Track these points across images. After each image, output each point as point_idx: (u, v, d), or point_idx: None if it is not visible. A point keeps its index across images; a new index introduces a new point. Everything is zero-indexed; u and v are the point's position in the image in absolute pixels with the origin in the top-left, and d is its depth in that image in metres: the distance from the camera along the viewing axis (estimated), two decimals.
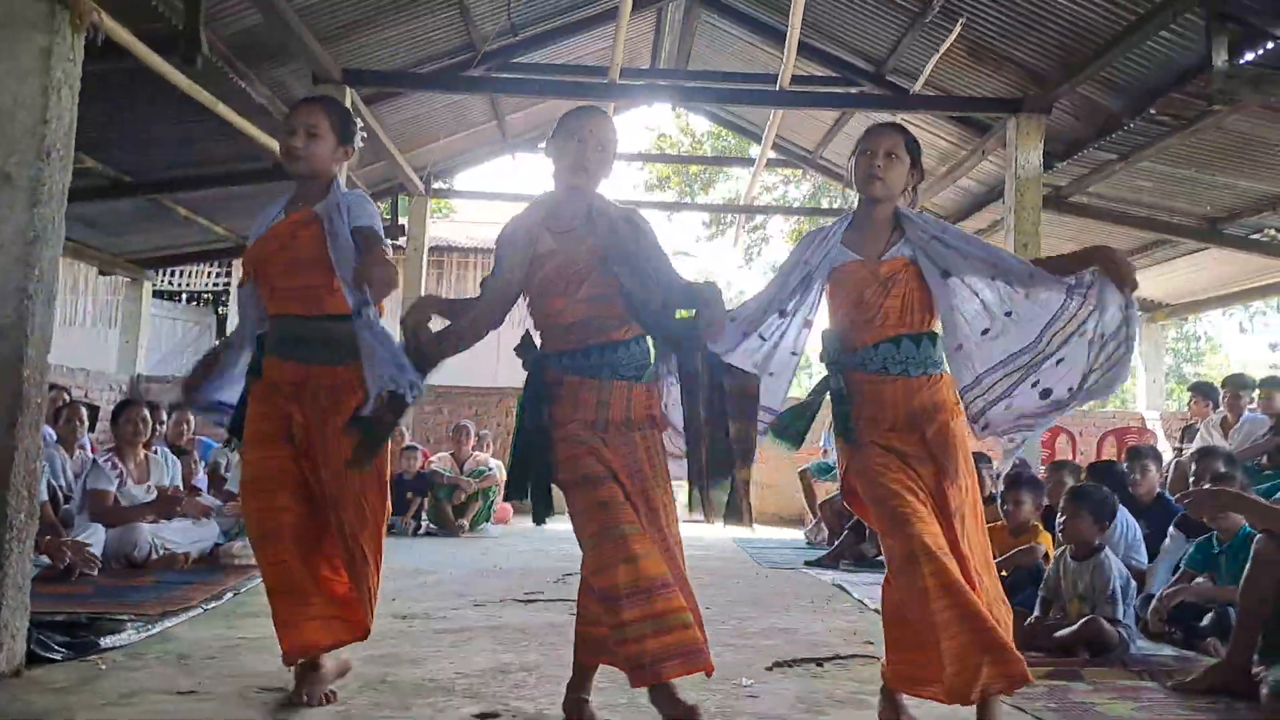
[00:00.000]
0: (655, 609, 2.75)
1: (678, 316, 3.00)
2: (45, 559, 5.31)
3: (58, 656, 3.73)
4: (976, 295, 3.11)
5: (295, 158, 3.33)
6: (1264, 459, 7.14)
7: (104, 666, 3.70)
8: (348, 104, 8.29)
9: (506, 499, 3.21)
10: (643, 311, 3.00)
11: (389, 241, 14.16)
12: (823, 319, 3.27)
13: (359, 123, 3.58)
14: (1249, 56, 6.45)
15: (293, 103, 3.59)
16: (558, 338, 3.04)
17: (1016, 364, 3.11)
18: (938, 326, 3.16)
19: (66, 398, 7.81)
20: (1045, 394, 3.09)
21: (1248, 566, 3.84)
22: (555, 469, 2.98)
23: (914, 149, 3.19)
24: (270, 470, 3.27)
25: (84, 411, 7.12)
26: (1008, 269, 3.12)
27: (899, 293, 3.09)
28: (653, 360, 3.10)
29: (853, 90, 10.15)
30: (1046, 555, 5.22)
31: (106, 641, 3.99)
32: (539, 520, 3.04)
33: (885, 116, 10.22)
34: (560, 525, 3.12)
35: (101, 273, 12.99)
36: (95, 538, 5.83)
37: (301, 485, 3.30)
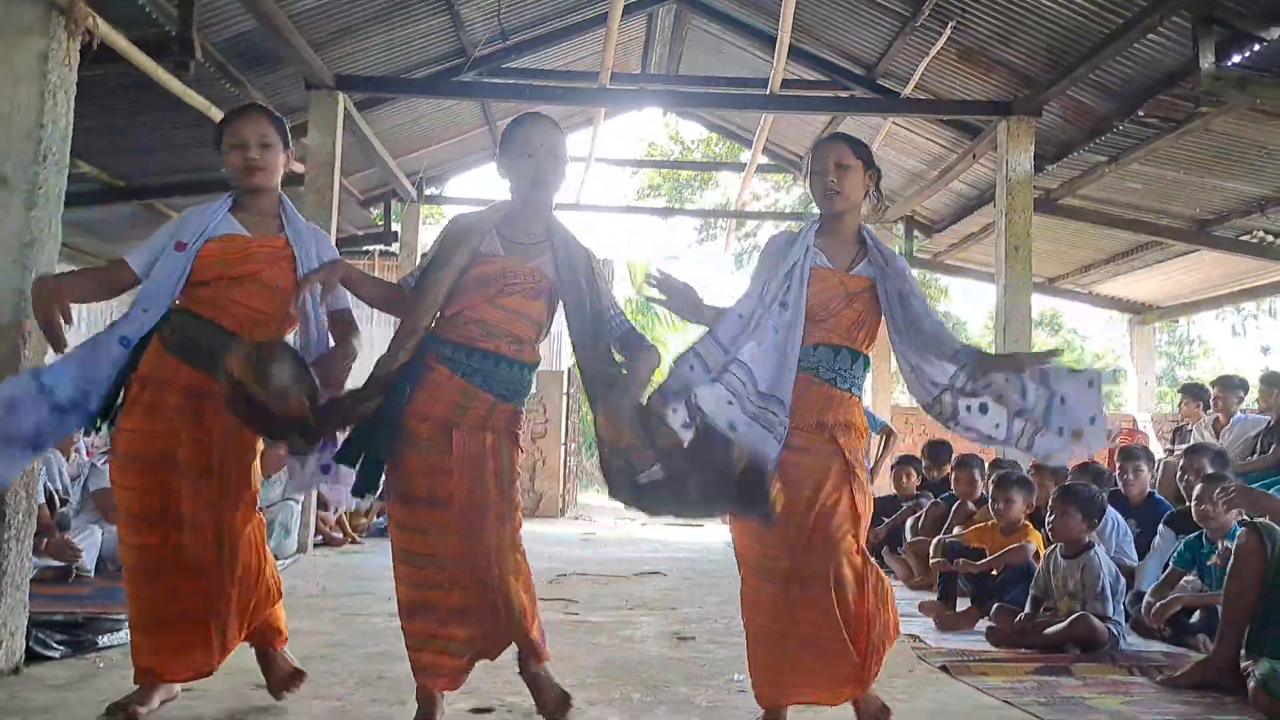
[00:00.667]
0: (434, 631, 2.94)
1: (615, 360, 3.02)
2: (44, 561, 5.33)
3: (56, 655, 3.77)
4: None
5: (256, 170, 3.20)
6: (1254, 456, 7.18)
7: (101, 665, 3.74)
8: (339, 109, 8.33)
9: (336, 460, 3.11)
10: (581, 348, 3.02)
11: (380, 248, 14.17)
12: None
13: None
14: (1235, 59, 6.51)
15: (230, 114, 3.38)
16: (454, 329, 3.00)
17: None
18: (871, 353, 3.23)
19: None
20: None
21: (1231, 561, 3.89)
22: (394, 463, 2.96)
23: (862, 152, 3.22)
24: (159, 504, 3.07)
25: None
26: (939, 344, 3.13)
27: (858, 308, 3.13)
28: (532, 390, 3.14)
29: (843, 94, 10.19)
30: (1037, 554, 5.26)
31: (104, 640, 4.02)
32: (360, 493, 3.01)
33: (876, 120, 10.31)
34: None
35: None
36: (92, 540, 5.86)
37: (181, 514, 3.08)
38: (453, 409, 2.96)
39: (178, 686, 3.22)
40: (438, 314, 3.00)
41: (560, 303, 3.09)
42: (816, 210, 3.31)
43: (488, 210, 3.14)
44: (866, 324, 3.14)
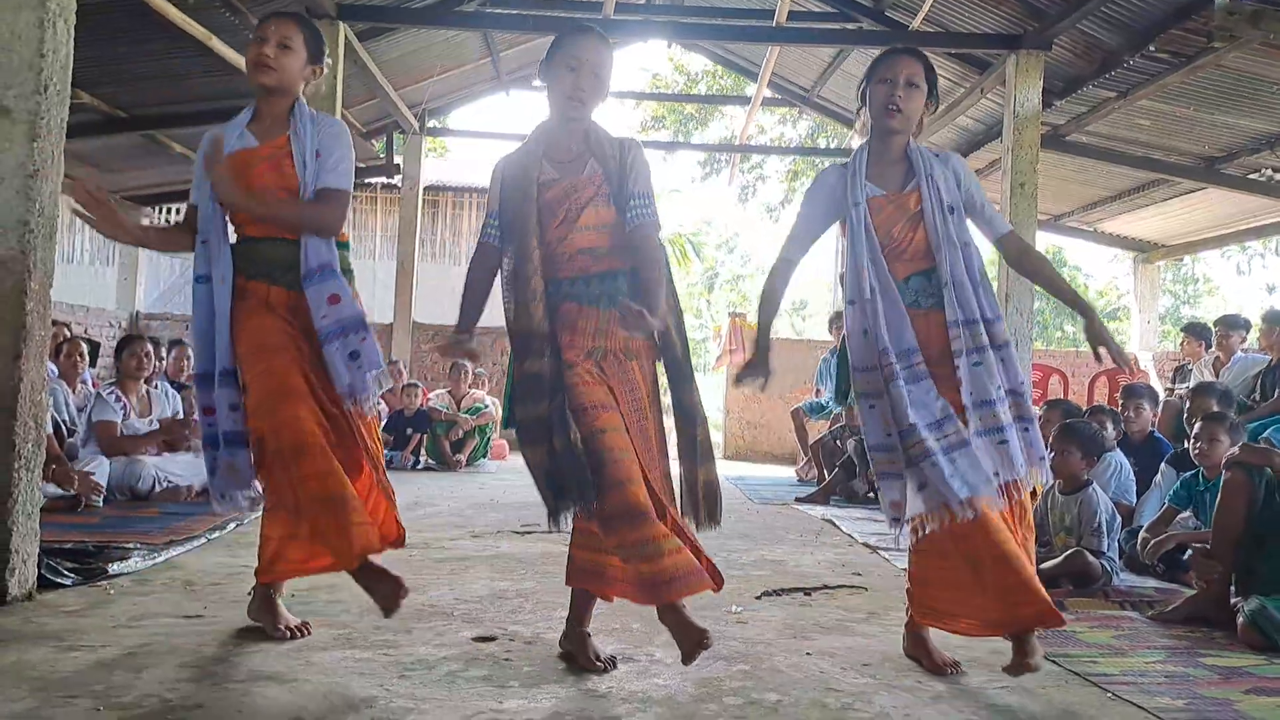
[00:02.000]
0: (656, 532, 2.78)
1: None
2: (54, 488, 5.40)
3: (68, 582, 3.83)
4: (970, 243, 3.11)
5: (265, 68, 3.18)
6: (1255, 395, 7.20)
7: (113, 592, 3.80)
8: (340, 39, 8.25)
9: (506, 427, 3.13)
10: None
11: (383, 180, 14.10)
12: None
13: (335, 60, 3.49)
14: None
15: (266, 15, 3.37)
16: (556, 265, 2.99)
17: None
18: None
19: (67, 333, 7.86)
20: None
21: (1220, 495, 3.94)
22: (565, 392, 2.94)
23: (932, 76, 3.13)
24: (290, 384, 3.08)
25: (84, 347, 7.18)
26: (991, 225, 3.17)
27: (922, 227, 3.08)
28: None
29: (850, 26, 10.08)
30: (1034, 491, 5.29)
31: (114, 568, 4.09)
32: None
33: None
34: None
35: None
36: (100, 470, 5.92)
37: (315, 398, 3.12)
38: (594, 337, 2.97)
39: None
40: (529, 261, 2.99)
41: None
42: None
43: (529, 141, 3.08)
44: (931, 239, 3.07)
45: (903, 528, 3.05)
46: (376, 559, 3.07)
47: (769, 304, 3.28)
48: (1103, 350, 3.12)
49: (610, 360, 2.99)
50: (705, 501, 3.03)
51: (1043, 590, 2.88)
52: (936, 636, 3.21)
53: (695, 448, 3.03)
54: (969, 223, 3.14)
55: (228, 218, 3.24)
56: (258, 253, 3.19)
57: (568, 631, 3.14)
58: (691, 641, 2.75)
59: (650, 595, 2.79)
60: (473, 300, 3.14)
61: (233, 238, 3.25)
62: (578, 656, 3.05)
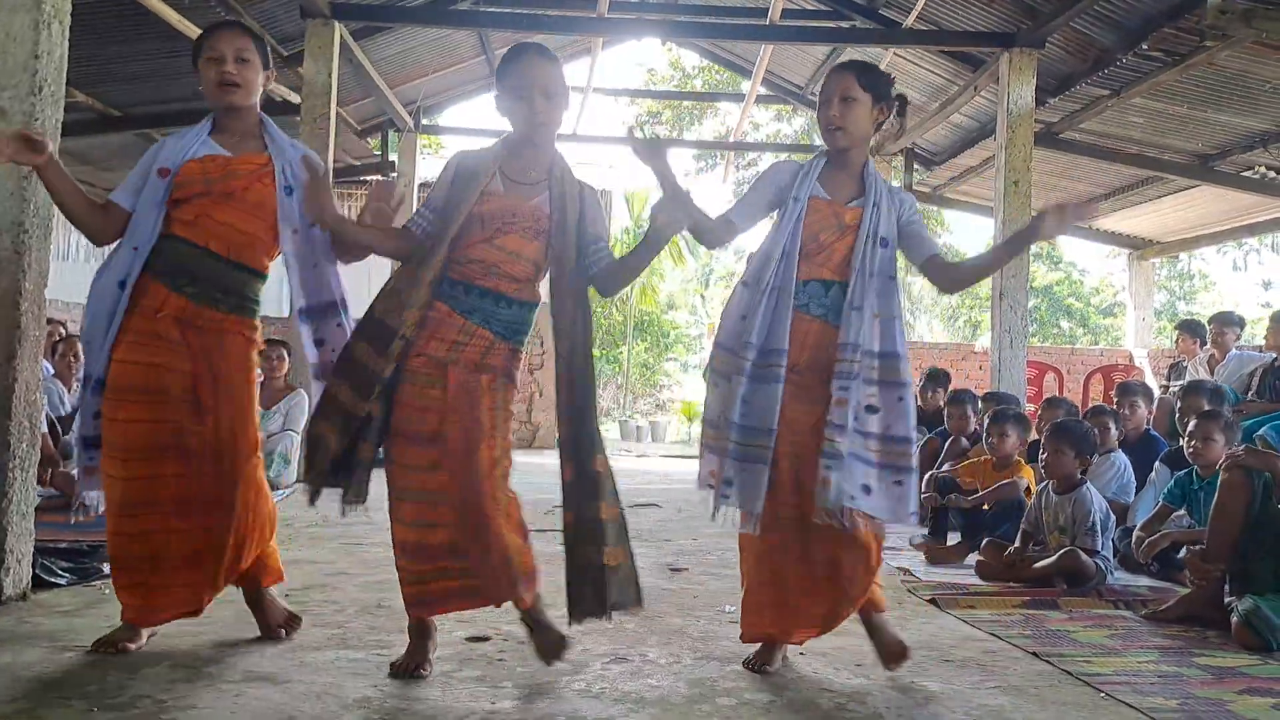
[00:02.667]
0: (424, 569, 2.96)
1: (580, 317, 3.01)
2: (50, 490, 5.39)
3: (62, 581, 3.84)
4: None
5: (231, 85, 3.09)
6: (1250, 394, 7.22)
7: (107, 591, 3.79)
8: (335, 38, 8.24)
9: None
10: (556, 295, 3.00)
11: (378, 177, 14.10)
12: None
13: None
14: None
15: (208, 29, 3.23)
16: (454, 266, 2.96)
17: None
18: None
19: (63, 331, 7.85)
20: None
21: (1216, 495, 3.94)
22: (393, 400, 2.95)
23: (871, 82, 3.11)
24: (160, 437, 3.03)
25: (80, 345, 7.15)
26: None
27: (848, 242, 3.10)
28: (532, 329, 3.10)
29: (844, 24, 10.08)
30: (1029, 489, 5.31)
31: (109, 568, 4.07)
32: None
33: (877, 51, 10.19)
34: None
35: None
36: None
37: (184, 445, 3.05)
38: (451, 347, 2.94)
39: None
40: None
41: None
42: (817, 141, 3.30)
43: (493, 146, 3.08)
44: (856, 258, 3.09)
45: (725, 502, 3.12)
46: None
47: (701, 220, 3.15)
48: (1051, 219, 2.97)
49: (458, 368, 2.94)
50: (591, 586, 2.89)
51: (763, 622, 3.10)
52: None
53: (591, 520, 2.92)
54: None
55: (169, 216, 3.09)
56: (190, 262, 3.06)
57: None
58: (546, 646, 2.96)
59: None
60: (375, 238, 3.06)
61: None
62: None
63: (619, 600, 2.91)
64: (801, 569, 3.07)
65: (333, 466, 2.94)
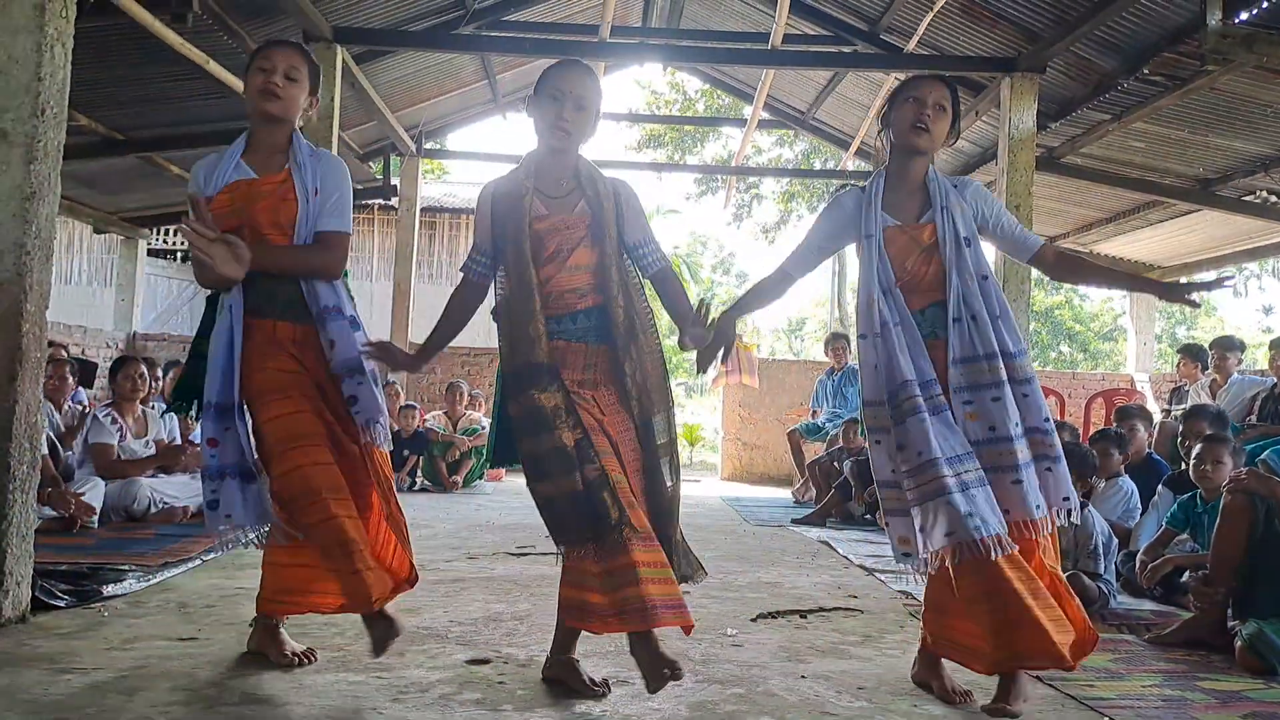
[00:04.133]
0: (648, 558, 2.78)
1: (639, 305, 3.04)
2: (49, 511, 5.39)
3: (62, 604, 3.82)
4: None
5: (273, 96, 3.13)
6: (1253, 418, 7.21)
7: (106, 614, 3.79)
8: (338, 62, 8.28)
9: (493, 465, 3.14)
10: (604, 263, 3.00)
11: (380, 201, 14.11)
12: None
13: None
14: (1243, 16, 6.47)
15: (266, 43, 3.32)
16: (543, 303, 2.96)
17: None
18: None
19: (64, 354, 7.84)
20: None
21: (1219, 519, 3.93)
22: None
23: (958, 106, 3.12)
24: (304, 426, 3.08)
25: (67, 368, 7.14)
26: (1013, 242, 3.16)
27: (937, 261, 3.04)
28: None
29: (845, 50, 10.13)
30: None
31: (109, 590, 4.07)
32: (502, 463, 3.15)
33: (878, 76, 10.25)
34: None
35: (96, 231, 12.99)
36: (95, 491, 5.91)
37: (331, 439, 3.14)
38: (585, 371, 2.98)
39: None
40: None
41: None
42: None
43: (518, 170, 3.07)
44: (943, 270, 3.03)
45: (914, 562, 2.97)
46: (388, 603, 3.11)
47: (755, 295, 3.24)
48: (1180, 293, 3.05)
49: (602, 392, 3.01)
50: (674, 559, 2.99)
51: (1051, 631, 2.83)
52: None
53: (662, 506, 3.01)
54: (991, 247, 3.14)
55: None
56: (260, 289, 3.14)
57: (552, 660, 3.10)
58: (658, 672, 2.72)
59: (634, 620, 2.73)
60: (447, 330, 3.18)
61: None
62: (570, 682, 3.02)
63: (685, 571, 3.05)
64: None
65: (576, 515, 2.85)
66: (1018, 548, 2.88)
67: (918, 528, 2.92)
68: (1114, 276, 3.28)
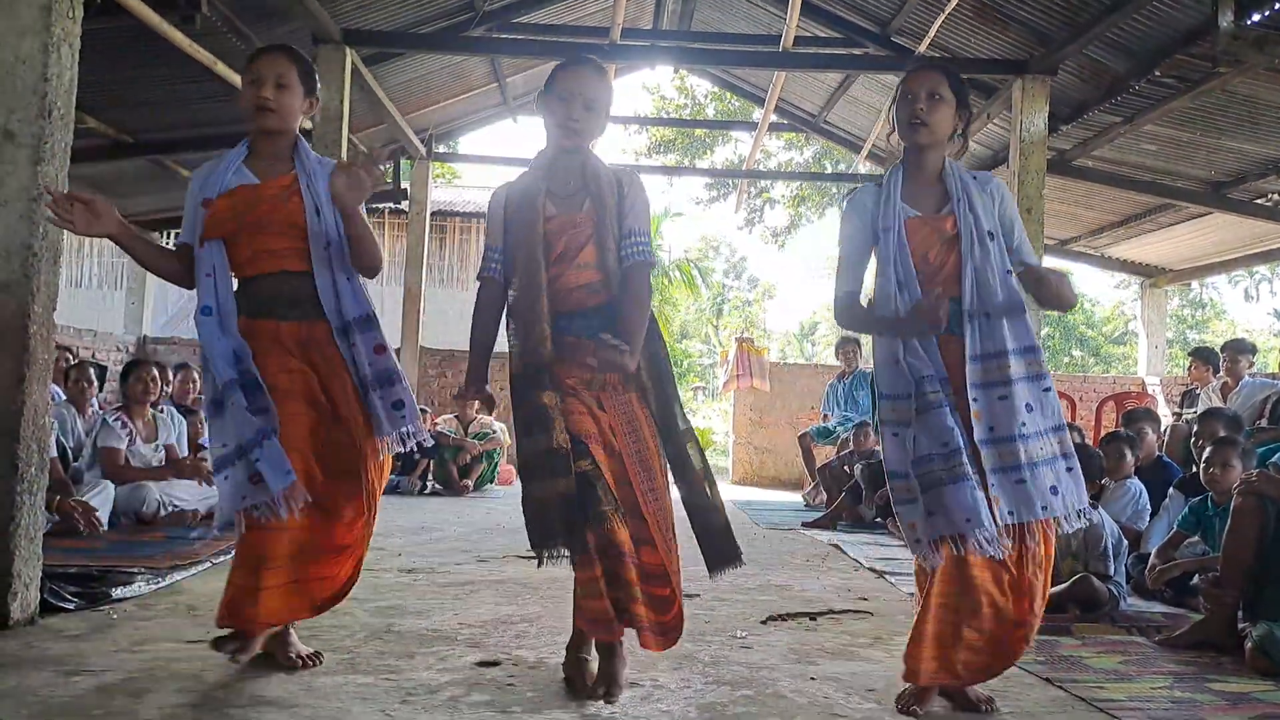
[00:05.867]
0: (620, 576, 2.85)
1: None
2: (55, 516, 5.39)
3: (70, 606, 3.82)
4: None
5: (266, 111, 3.11)
6: (1264, 421, 7.18)
7: (115, 616, 3.79)
8: (347, 64, 8.28)
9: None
10: (611, 276, 3.01)
11: (390, 205, 14.12)
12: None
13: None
14: (1255, 17, 6.44)
15: (256, 51, 3.28)
16: (554, 300, 2.98)
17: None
18: None
19: (70, 357, 7.87)
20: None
21: (1229, 521, 3.91)
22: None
23: (959, 87, 3.03)
24: (300, 432, 3.09)
25: (92, 371, 7.18)
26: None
27: (957, 252, 2.97)
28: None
29: (856, 52, 10.11)
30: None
31: (118, 593, 4.07)
32: None
33: (889, 79, 10.21)
34: None
35: None
36: (105, 494, 5.92)
37: (323, 444, 3.14)
38: (591, 369, 2.96)
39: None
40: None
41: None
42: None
43: (530, 172, 3.08)
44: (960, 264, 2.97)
45: (922, 550, 2.93)
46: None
47: (869, 325, 3.13)
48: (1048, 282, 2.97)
49: (609, 391, 3.00)
50: (718, 541, 3.06)
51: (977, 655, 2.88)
52: None
53: (696, 495, 3.05)
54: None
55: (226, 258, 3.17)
56: (262, 290, 3.14)
57: (568, 656, 3.13)
58: (596, 689, 2.90)
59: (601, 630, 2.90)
60: (484, 344, 3.16)
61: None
62: (575, 681, 3.03)
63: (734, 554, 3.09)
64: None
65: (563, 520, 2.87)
66: (1011, 551, 2.85)
67: (925, 514, 2.89)
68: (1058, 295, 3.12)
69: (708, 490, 3.05)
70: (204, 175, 3.19)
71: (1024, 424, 2.89)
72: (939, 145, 3.05)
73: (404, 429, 3.17)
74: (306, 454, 3.09)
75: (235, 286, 3.18)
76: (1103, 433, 7.58)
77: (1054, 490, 2.90)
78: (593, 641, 3.07)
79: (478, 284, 3.16)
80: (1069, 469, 2.95)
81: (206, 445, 7.20)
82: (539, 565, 2.87)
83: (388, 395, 3.16)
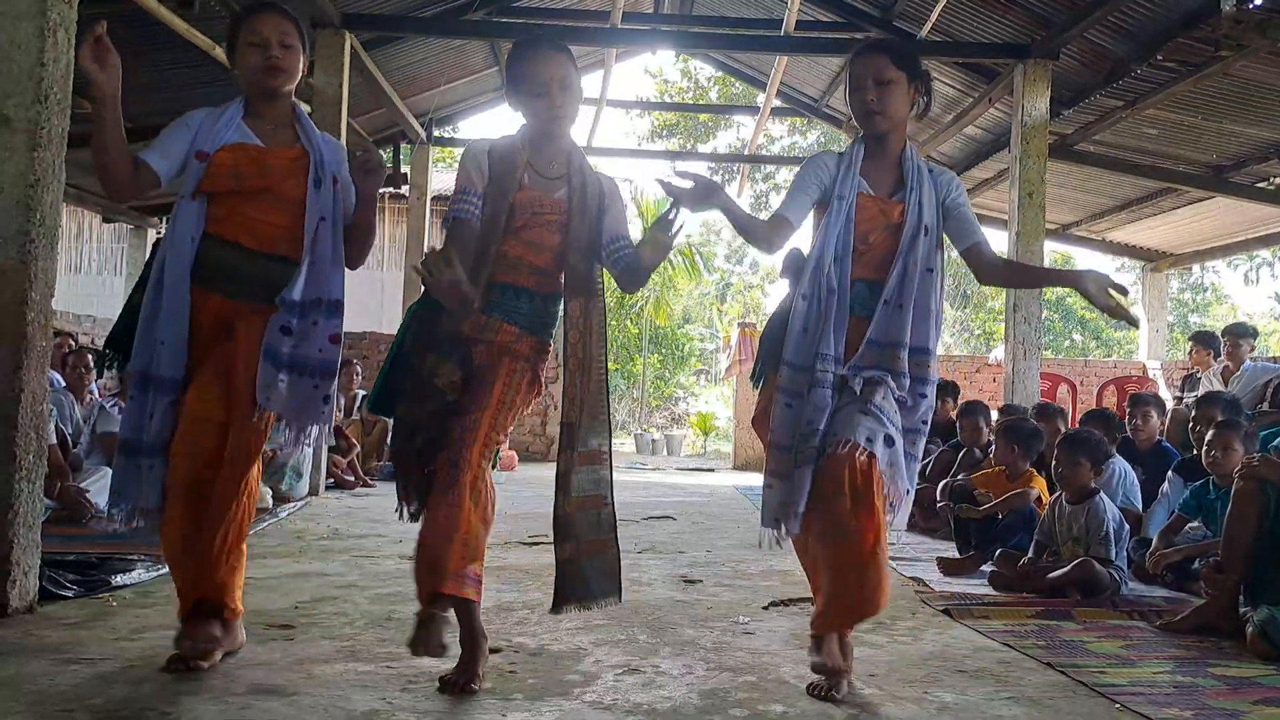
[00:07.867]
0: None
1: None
2: (55, 504, 5.39)
3: (69, 594, 3.81)
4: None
5: (277, 70, 2.99)
6: (1265, 405, 7.17)
7: (114, 604, 3.79)
8: (346, 48, 8.24)
9: (372, 411, 3.10)
10: (572, 258, 2.99)
11: (391, 190, 14.06)
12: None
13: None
14: (1257, 1, 6.41)
15: (246, 10, 3.10)
16: (496, 269, 2.94)
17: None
18: None
19: (72, 344, 7.85)
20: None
21: (1230, 505, 3.91)
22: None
23: (905, 62, 3.01)
24: (207, 412, 2.94)
25: (90, 358, 7.16)
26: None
27: (895, 240, 3.02)
28: (558, 322, 3.09)
29: (858, 36, 10.06)
30: (1039, 499, 5.27)
31: (117, 580, 4.07)
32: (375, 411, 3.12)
33: None
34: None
35: (105, 220, 13.01)
36: (104, 481, 5.90)
37: (222, 435, 2.96)
38: (499, 353, 2.95)
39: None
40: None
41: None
42: (835, 149, 3.21)
43: (514, 138, 3.04)
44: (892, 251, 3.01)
45: (790, 524, 2.99)
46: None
47: (746, 221, 3.08)
48: (1095, 283, 2.95)
49: (482, 348, 2.95)
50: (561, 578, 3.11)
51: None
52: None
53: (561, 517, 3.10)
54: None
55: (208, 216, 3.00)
56: (240, 264, 3.00)
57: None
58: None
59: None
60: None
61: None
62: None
63: (590, 591, 3.07)
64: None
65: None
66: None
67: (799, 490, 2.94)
68: (1034, 276, 3.17)
69: (576, 524, 3.12)
70: (196, 122, 3.03)
71: (893, 414, 2.98)
72: (898, 127, 3.08)
73: (321, 425, 3.09)
74: (201, 455, 2.94)
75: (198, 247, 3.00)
76: (1085, 411, 7.59)
77: (889, 441, 2.93)
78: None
79: (448, 222, 3.00)
80: (908, 467, 3.01)
81: None
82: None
83: (323, 387, 3.04)
